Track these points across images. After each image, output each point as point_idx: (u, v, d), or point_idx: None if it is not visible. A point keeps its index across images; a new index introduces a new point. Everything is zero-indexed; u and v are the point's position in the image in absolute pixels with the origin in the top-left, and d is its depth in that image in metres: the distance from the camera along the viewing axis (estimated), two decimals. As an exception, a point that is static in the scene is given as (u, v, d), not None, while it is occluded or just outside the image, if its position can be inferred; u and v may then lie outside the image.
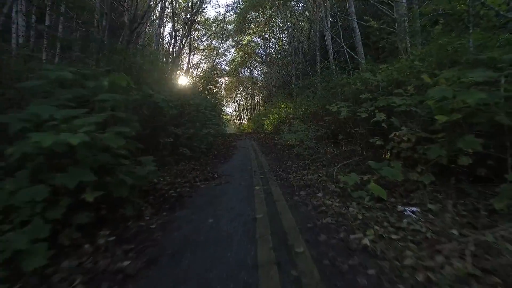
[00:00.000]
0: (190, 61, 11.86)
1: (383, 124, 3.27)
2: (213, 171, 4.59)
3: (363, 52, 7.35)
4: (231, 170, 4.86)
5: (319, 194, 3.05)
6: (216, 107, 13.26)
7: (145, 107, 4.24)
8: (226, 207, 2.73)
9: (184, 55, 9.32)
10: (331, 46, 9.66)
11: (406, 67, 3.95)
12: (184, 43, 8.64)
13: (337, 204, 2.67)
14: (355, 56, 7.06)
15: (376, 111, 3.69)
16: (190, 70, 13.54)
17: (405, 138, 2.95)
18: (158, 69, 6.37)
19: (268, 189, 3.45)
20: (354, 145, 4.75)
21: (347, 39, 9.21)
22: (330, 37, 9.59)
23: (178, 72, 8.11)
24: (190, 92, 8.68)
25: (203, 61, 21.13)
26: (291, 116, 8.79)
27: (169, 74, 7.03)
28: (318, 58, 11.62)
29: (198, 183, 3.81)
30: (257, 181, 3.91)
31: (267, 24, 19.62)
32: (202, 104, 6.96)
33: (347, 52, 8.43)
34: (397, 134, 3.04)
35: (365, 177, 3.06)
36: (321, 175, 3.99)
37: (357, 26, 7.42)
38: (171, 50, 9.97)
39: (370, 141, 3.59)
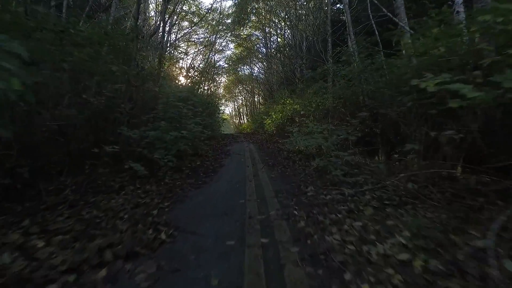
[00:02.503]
0: (170, 42, 9.46)
1: None
2: (165, 220, 2.15)
3: (406, 20, 4.94)
4: (204, 211, 2.44)
5: None
6: (210, 104, 10.85)
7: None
8: None
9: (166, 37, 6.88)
10: (351, 24, 7.24)
11: None
12: (162, 20, 6.23)
13: None
14: (400, 24, 4.66)
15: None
16: (173, 55, 11.09)
17: None
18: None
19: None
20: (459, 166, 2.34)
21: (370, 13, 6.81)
22: (349, 11, 7.18)
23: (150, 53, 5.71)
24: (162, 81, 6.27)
25: (199, 56, 18.72)
26: (301, 113, 6.39)
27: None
28: (329, 44, 9.22)
29: (97, 276, 1.40)
30: (254, 271, 1.50)
31: (267, 18, 17.21)
32: (179, 96, 4.57)
33: (377, 27, 6.04)
34: None
35: None
36: (407, 243, 1.59)
37: (398, -16, 5.01)
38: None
39: None
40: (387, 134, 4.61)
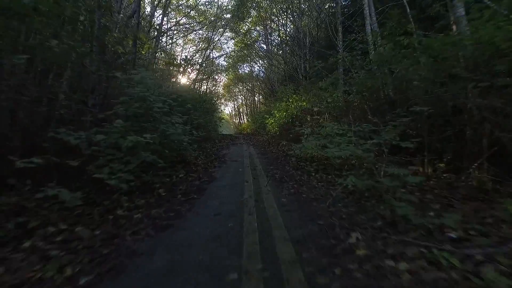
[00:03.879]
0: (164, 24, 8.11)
1: None
2: None
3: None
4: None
5: None
6: (205, 102, 9.48)
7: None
8: None
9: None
10: (372, 3, 5.90)
11: None
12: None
13: None
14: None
15: None
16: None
17: None
18: None
19: None
20: None
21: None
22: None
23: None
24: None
25: (197, 53, 17.34)
26: (315, 110, 5.05)
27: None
28: (340, 33, 7.86)
29: None
30: None
31: (269, 11, 15.84)
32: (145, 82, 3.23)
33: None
34: None
35: None
36: None
37: None
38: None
39: None
40: (432, 138, 3.31)
